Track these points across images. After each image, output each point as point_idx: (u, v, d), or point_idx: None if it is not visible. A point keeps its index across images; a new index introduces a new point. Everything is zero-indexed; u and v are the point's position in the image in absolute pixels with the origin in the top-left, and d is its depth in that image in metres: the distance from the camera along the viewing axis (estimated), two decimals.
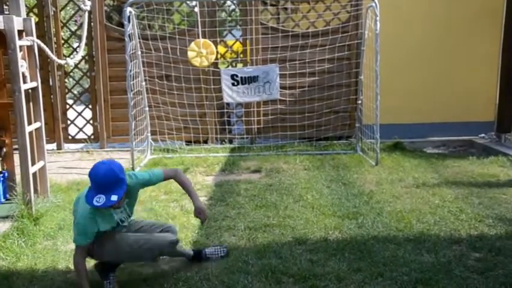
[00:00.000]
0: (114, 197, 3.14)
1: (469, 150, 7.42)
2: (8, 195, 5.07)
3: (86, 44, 6.64)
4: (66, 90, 7.94)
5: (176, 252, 3.65)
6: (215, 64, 7.42)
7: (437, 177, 5.84)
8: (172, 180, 3.73)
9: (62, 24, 7.72)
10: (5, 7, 5.03)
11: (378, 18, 6.32)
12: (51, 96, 7.61)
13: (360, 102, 7.21)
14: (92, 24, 7.46)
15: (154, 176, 3.53)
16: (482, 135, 7.78)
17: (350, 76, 7.64)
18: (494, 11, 7.63)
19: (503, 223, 4.40)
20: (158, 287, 3.37)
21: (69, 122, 7.91)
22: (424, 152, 7.32)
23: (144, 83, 7.12)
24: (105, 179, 3.15)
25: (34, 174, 4.83)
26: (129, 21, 6.45)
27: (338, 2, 7.56)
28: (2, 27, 4.43)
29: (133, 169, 6.28)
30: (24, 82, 4.62)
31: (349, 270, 3.55)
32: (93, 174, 3.19)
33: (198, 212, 3.58)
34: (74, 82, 8.24)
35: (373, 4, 6.36)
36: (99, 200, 3.11)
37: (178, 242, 3.61)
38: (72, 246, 4.05)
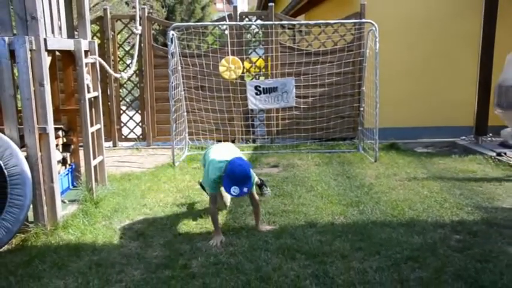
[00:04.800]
0: (245, 189, 3.63)
1: (453, 150, 7.31)
2: (75, 183, 5.19)
3: (136, 61, 6.75)
4: (121, 99, 8.06)
5: None
6: (242, 77, 7.44)
7: (426, 172, 5.79)
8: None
9: (118, 45, 7.84)
10: (75, 32, 5.14)
11: (377, 39, 6.29)
12: (109, 103, 7.75)
13: (362, 109, 7.17)
14: (142, 44, 7.57)
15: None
16: (463, 137, 7.68)
17: (354, 87, 7.61)
18: (473, 34, 7.56)
19: (480, 210, 4.36)
20: (194, 260, 3.41)
21: (122, 124, 8.03)
22: (415, 151, 7.24)
23: (183, 93, 7.20)
24: (243, 176, 3.62)
25: (95, 166, 4.92)
26: (171, 42, 6.53)
27: (344, 26, 7.53)
28: (73, 49, 4.54)
29: (173, 163, 6.38)
30: (88, 92, 4.71)
31: (351, 249, 3.56)
32: (232, 171, 3.62)
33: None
34: (127, 92, 8.36)
35: (373, 28, 6.34)
36: (235, 190, 3.58)
37: None
38: (125, 224, 4.17)
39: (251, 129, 7.97)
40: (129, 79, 8.07)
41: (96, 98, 4.97)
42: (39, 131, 3.93)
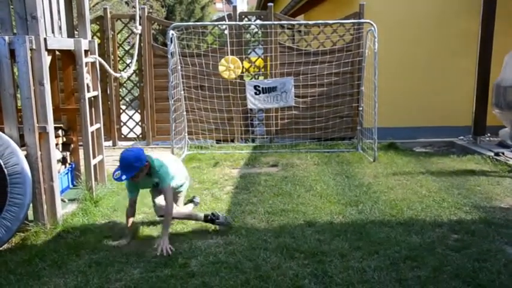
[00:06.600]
0: (123, 177, 3.59)
1: (451, 149, 7.32)
2: (75, 182, 5.19)
3: (136, 61, 6.74)
4: (120, 98, 8.05)
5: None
6: (241, 76, 7.44)
7: (424, 172, 5.78)
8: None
9: (118, 45, 7.83)
10: (75, 32, 5.13)
11: (376, 39, 6.29)
12: (109, 102, 7.73)
13: (360, 109, 7.17)
14: (142, 44, 7.56)
15: (164, 183, 3.74)
16: (462, 137, 7.69)
17: (353, 87, 7.61)
18: (471, 34, 7.54)
19: (478, 210, 4.37)
20: (193, 259, 3.42)
21: (122, 123, 8.02)
22: (414, 150, 7.24)
23: (182, 92, 7.20)
24: (124, 162, 3.59)
25: (95, 165, 4.93)
26: (171, 42, 6.52)
27: (343, 26, 7.52)
28: (73, 48, 4.54)
29: None
30: (88, 91, 4.71)
31: (350, 248, 3.56)
32: (121, 156, 3.64)
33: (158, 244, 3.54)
34: (127, 91, 8.36)
35: (372, 28, 6.34)
36: (116, 174, 3.60)
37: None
38: (124, 223, 4.17)
39: (250, 128, 7.96)
40: (128, 78, 8.05)
41: (95, 97, 4.97)
42: (39, 130, 3.93)
